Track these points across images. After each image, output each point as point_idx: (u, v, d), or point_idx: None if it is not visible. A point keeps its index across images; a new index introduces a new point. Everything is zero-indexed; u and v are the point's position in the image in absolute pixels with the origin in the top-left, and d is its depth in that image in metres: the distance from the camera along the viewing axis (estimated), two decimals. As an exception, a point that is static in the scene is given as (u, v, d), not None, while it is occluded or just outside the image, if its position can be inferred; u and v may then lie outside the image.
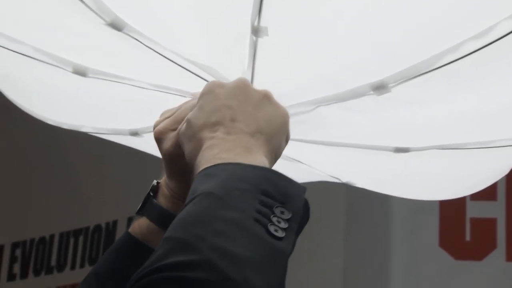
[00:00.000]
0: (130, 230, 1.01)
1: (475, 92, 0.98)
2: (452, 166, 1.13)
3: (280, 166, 1.08)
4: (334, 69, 0.97)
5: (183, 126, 0.91)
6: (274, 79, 0.98)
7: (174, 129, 0.95)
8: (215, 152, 0.84)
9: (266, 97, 0.90)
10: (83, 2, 0.95)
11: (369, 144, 1.09)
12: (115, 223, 3.50)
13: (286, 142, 0.91)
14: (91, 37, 1.00)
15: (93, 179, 3.57)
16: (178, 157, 0.94)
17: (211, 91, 0.90)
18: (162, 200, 1.00)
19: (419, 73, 0.95)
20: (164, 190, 1.01)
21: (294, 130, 1.01)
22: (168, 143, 0.95)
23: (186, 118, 0.91)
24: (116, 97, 1.08)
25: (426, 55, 0.93)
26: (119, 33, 0.97)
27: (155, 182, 1.02)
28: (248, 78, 0.98)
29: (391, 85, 0.97)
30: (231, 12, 0.93)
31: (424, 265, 2.61)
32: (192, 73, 1.01)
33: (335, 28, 0.92)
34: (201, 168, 0.82)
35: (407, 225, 2.64)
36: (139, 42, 0.98)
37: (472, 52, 0.91)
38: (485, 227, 2.59)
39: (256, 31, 0.93)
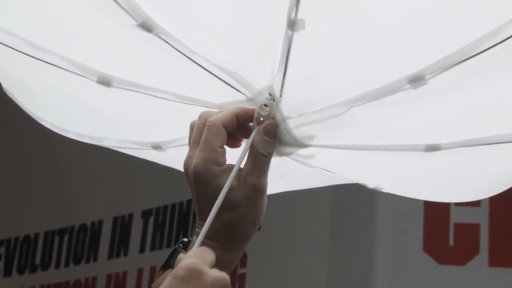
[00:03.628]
0: (153, 285, 0.99)
1: None
2: (486, 161, 1.08)
3: (302, 170, 1.07)
4: (369, 64, 0.94)
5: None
6: (306, 80, 0.96)
7: (213, 160, 0.95)
8: None
9: None
10: (116, 1, 0.92)
11: (399, 144, 1.05)
12: (100, 222, 3.50)
13: None
14: (118, 43, 0.98)
15: (80, 179, 3.57)
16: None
17: (186, 279, 0.88)
18: None
19: (458, 61, 0.90)
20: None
21: (322, 135, 1.00)
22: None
23: None
24: (139, 108, 1.06)
25: (463, 42, 0.89)
26: (147, 37, 0.95)
27: (185, 239, 1.01)
28: (279, 82, 0.96)
29: (428, 76, 0.92)
30: (266, 7, 0.91)
31: (408, 269, 2.62)
32: (221, 79, 0.99)
33: (374, 21, 0.89)
34: None
35: (392, 229, 2.65)
36: (168, 45, 0.96)
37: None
38: (468, 232, 2.61)
39: (292, 24, 0.90)
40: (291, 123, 1.00)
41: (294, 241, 2.82)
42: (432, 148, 1.04)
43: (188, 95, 1.03)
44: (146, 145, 1.14)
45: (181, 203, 3.26)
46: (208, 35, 0.95)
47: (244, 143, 1.01)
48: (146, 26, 0.95)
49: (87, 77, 1.02)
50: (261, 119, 0.99)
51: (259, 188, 0.98)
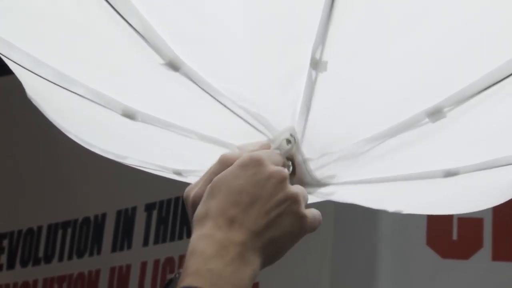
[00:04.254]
0: None
1: None
2: (501, 176, 1.08)
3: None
4: (388, 101, 0.95)
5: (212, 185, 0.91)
6: (327, 121, 0.96)
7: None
8: (208, 253, 0.87)
9: (295, 201, 0.91)
10: (145, 39, 0.93)
11: (417, 172, 1.05)
12: (103, 216, 3.51)
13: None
14: (144, 79, 0.98)
15: (83, 172, 3.57)
16: None
17: (248, 166, 0.91)
18: None
19: (475, 93, 0.92)
20: None
21: (342, 173, 1.00)
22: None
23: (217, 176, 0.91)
24: (162, 139, 1.07)
25: (478, 74, 0.91)
26: (174, 75, 0.95)
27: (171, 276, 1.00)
28: (301, 123, 0.96)
29: (446, 109, 0.94)
30: (290, 45, 0.91)
31: (411, 263, 2.62)
32: (243, 119, 0.99)
33: (392, 58, 0.90)
34: (183, 274, 0.86)
35: (395, 224, 2.65)
36: (193, 84, 0.96)
37: None
38: (472, 226, 2.61)
39: (315, 65, 0.91)
40: (312, 165, 1.00)
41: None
42: (450, 173, 1.05)
43: (210, 134, 1.03)
44: (168, 170, 1.14)
45: (184, 197, 3.26)
46: (232, 74, 0.96)
47: None
48: (173, 65, 0.95)
49: (112, 110, 1.03)
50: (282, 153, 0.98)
51: None
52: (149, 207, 3.36)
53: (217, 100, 0.98)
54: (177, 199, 3.28)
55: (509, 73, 0.90)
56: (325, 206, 2.96)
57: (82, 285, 3.47)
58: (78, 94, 1.02)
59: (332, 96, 0.95)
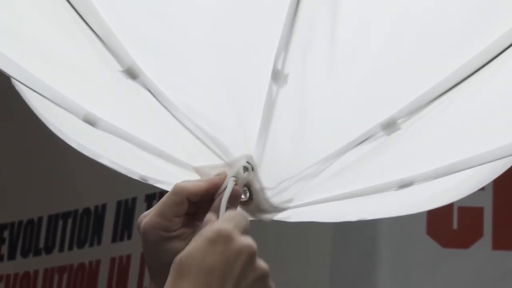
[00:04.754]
0: None
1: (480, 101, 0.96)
2: (458, 180, 1.09)
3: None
4: (343, 118, 0.94)
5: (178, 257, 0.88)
6: (284, 145, 0.95)
7: (163, 227, 0.94)
8: None
9: (264, 278, 0.89)
10: (103, 43, 0.91)
11: (372, 186, 1.04)
12: (104, 206, 3.51)
13: None
14: (105, 85, 0.96)
15: (83, 163, 3.57)
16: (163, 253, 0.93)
17: (226, 247, 0.88)
18: None
19: (428, 102, 0.92)
20: None
21: (299, 196, 0.99)
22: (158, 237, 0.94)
23: (183, 252, 0.89)
24: (127, 146, 1.05)
25: (430, 83, 0.91)
26: (132, 85, 0.93)
27: None
28: (260, 149, 0.95)
29: (400, 120, 0.93)
30: (252, 59, 0.90)
31: (412, 253, 2.63)
32: (200, 140, 0.97)
33: (348, 74, 0.90)
34: None
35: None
36: (152, 96, 0.94)
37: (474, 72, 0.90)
38: (472, 216, 2.61)
39: (276, 76, 0.89)
40: (269, 193, 0.99)
41: (297, 226, 2.82)
42: (404, 184, 1.04)
43: (168, 151, 1.01)
44: (135, 175, 1.12)
45: (184, 187, 3.27)
46: (190, 87, 0.94)
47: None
48: (131, 73, 0.93)
49: (73, 114, 1.00)
50: (235, 184, 0.95)
51: None
52: (149, 198, 3.37)
53: (174, 116, 0.96)
54: (177, 189, 3.28)
55: (461, 79, 0.90)
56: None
57: (82, 276, 3.48)
58: (41, 95, 0.99)
59: (291, 115, 0.93)
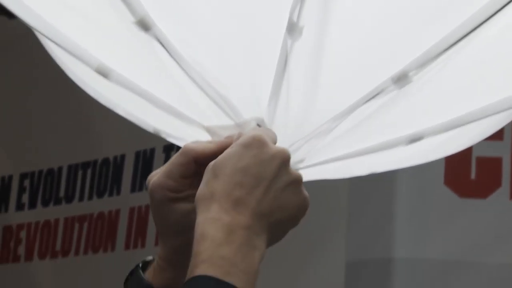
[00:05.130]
0: None
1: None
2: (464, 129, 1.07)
3: None
4: (354, 73, 0.94)
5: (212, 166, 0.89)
6: (295, 107, 0.95)
7: (170, 187, 0.93)
8: (218, 239, 0.86)
9: (297, 182, 0.90)
10: None
11: (381, 142, 1.03)
12: (122, 157, 3.53)
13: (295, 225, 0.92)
14: (119, 38, 0.96)
15: (102, 113, 3.58)
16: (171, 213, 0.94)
17: (251, 146, 0.89)
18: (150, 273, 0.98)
19: (436, 54, 0.92)
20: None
21: (310, 156, 0.98)
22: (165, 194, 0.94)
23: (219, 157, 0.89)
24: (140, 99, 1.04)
25: (439, 35, 0.91)
26: (145, 38, 0.93)
27: (150, 257, 0.99)
28: (271, 111, 0.94)
29: (411, 73, 0.93)
30: (267, 11, 0.89)
31: (430, 203, 2.63)
32: (212, 100, 0.96)
33: (356, 25, 0.90)
34: (196, 260, 0.86)
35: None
36: (164, 51, 0.94)
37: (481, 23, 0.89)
38: (490, 166, 2.60)
39: (292, 29, 0.88)
40: None
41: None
42: (414, 139, 1.03)
43: (180, 109, 1.00)
44: (149, 127, 1.12)
45: (202, 137, 3.27)
46: (202, 43, 0.93)
47: None
48: (144, 24, 0.92)
49: (86, 64, 1.00)
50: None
51: None
52: (167, 149, 3.38)
53: (186, 72, 0.95)
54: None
55: (471, 29, 0.90)
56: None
57: (102, 224, 3.51)
58: (56, 43, 0.99)
59: (303, 73, 0.93)
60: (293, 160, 0.99)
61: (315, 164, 1.02)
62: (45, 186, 3.75)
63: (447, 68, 0.95)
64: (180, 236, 0.96)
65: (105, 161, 3.58)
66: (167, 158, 3.42)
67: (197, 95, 0.97)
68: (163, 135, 1.11)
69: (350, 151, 1.03)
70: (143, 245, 3.34)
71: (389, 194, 2.64)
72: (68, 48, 0.99)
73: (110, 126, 3.55)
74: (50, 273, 3.62)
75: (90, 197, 3.59)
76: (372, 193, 2.69)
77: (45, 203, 3.74)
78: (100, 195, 3.56)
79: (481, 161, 2.62)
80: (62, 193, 3.68)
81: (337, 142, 1.01)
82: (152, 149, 3.43)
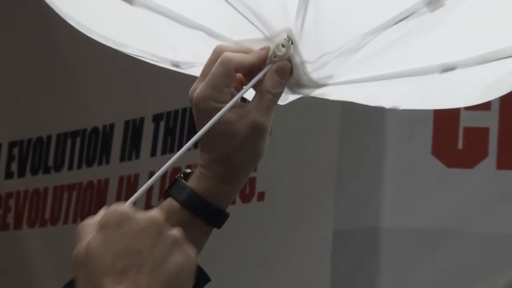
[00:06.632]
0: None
1: None
2: (500, 67, 1.06)
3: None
4: None
5: (79, 252, 0.82)
6: (324, 21, 0.94)
7: (214, 98, 0.95)
8: None
9: (177, 243, 0.83)
10: None
11: (414, 68, 1.03)
12: (112, 126, 3.53)
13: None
14: None
15: (91, 82, 3.58)
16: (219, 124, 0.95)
17: (119, 225, 0.82)
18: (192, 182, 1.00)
19: None
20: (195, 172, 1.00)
21: (340, 72, 0.99)
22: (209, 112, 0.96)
23: (84, 246, 0.81)
24: (161, 26, 1.04)
25: None
26: None
27: (188, 170, 1.02)
28: (299, 24, 0.94)
29: None
30: None
31: (417, 172, 2.65)
32: (242, 14, 0.96)
33: None
34: None
35: (401, 133, 2.66)
36: None
37: None
38: (477, 136, 2.62)
39: None
40: (309, 67, 0.99)
41: (304, 145, 2.84)
42: (448, 68, 1.03)
43: (208, 25, 1.01)
44: (166, 61, 1.12)
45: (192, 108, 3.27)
46: None
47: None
48: None
49: None
50: (275, 58, 0.97)
51: (261, 126, 0.98)
52: (156, 118, 3.38)
53: None
54: (184, 110, 3.29)
55: None
56: (331, 119, 2.96)
57: (91, 193, 3.52)
58: None
59: None
60: (322, 74, 1.00)
61: (344, 82, 1.02)
62: (34, 154, 3.75)
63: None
64: (224, 144, 0.99)
65: (94, 130, 3.58)
66: (156, 128, 3.43)
67: (224, 10, 0.97)
68: (182, 67, 1.11)
69: (380, 73, 1.02)
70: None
71: (376, 164, 2.66)
72: None
73: (99, 95, 3.54)
74: (39, 241, 3.63)
75: (79, 166, 3.59)
76: (360, 163, 2.70)
77: (34, 172, 3.74)
78: (89, 164, 3.56)
79: (468, 131, 2.63)
80: (51, 161, 3.68)
81: (367, 62, 1.00)
82: (141, 119, 3.43)
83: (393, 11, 0.94)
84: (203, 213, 1.00)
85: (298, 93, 1.02)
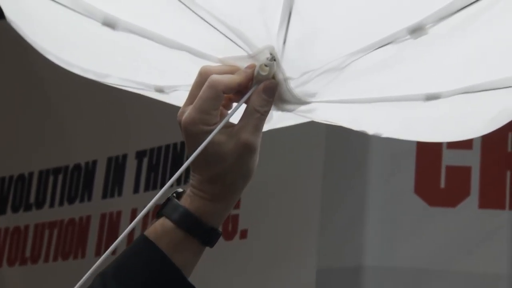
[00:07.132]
0: (145, 233, 1.03)
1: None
2: (484, 102, 1.07)
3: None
4: (370, 17, 0.94)
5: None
6: (307, 39, 0.95)
7: (203, 121, 0.97)
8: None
9: None
10: None
11: (399, 95, 1.04)
12: (94, 162, 3.52)
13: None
14: None
15: (74, 119, 3.57)
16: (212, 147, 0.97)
17: None
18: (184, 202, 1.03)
19: (457, 9, 0.91)
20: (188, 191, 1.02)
21: (323, 91, 0.99)
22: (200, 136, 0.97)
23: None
24: (143, 51, 1.05)
25: None
26: None
27: (180, 189, 1.03)
28: (280, 41, 0.95)
29: (428, 26, 0.93)
30: None
31: (399, 211, 2.65)
32: (223, 34, 0.97)
33: None
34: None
35: (384, 170, 2.67)
36: None
37: None
38: (459, 175, 2.63)
39: None
40: (292, 83, 1.00)
41: (287, 183, 2.84)
42: (432, 97, 1.03)
43: (192, 46, 1.01)
44: (149, 87, 1.13)
45: (175, 145, 3.27)
46: None
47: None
48: None
49: (92, 19, 1.01)
50: (260, 77, 0.98)
51: (251, 145, 0.99)
52: (139, 155, 3.38)
53: (193, 12, 0.96)
54: (167, 146, 3.29)
55: None
56: (315, 153, 2.94)
57: (72, 231, 3.50)
58: (58, 2, 1.00)
59: (310, 13, 0.93)
60: (305, 92, 1.00)
61: (327, 101, 1.03)
62: (15, 191, 3.73)
63: (471, 28, 0.94)
64: (215, 165, 0.99)
65: (77, 166, 3.57)
66: (139, 164, 3.42)
67: (205, 31, 0.98)
68: (167, 91, 1.12)
69: (365, 96, 1.03)
70: (113, 252, 3.33)
71: (359, 202, 2.66)
72: (71, 6, 1.00)
73: (82, 132, 3.54)
74: (19, 280, 3.59)
75: (61, 203, 3.58)
76: (343, 201, 2.70)
77: (15, 209, 3.72)
78: (71, 201, 3.55)
79: (451, 170, 2.64)
80: (32, 199, 3.66)
81: (352, 83, 1.01)
82: (124, 155, 3.43)
83: (377, 35, 0.95)
84: (197, 232, 1.01)
85: (282, 109, 1.03)
